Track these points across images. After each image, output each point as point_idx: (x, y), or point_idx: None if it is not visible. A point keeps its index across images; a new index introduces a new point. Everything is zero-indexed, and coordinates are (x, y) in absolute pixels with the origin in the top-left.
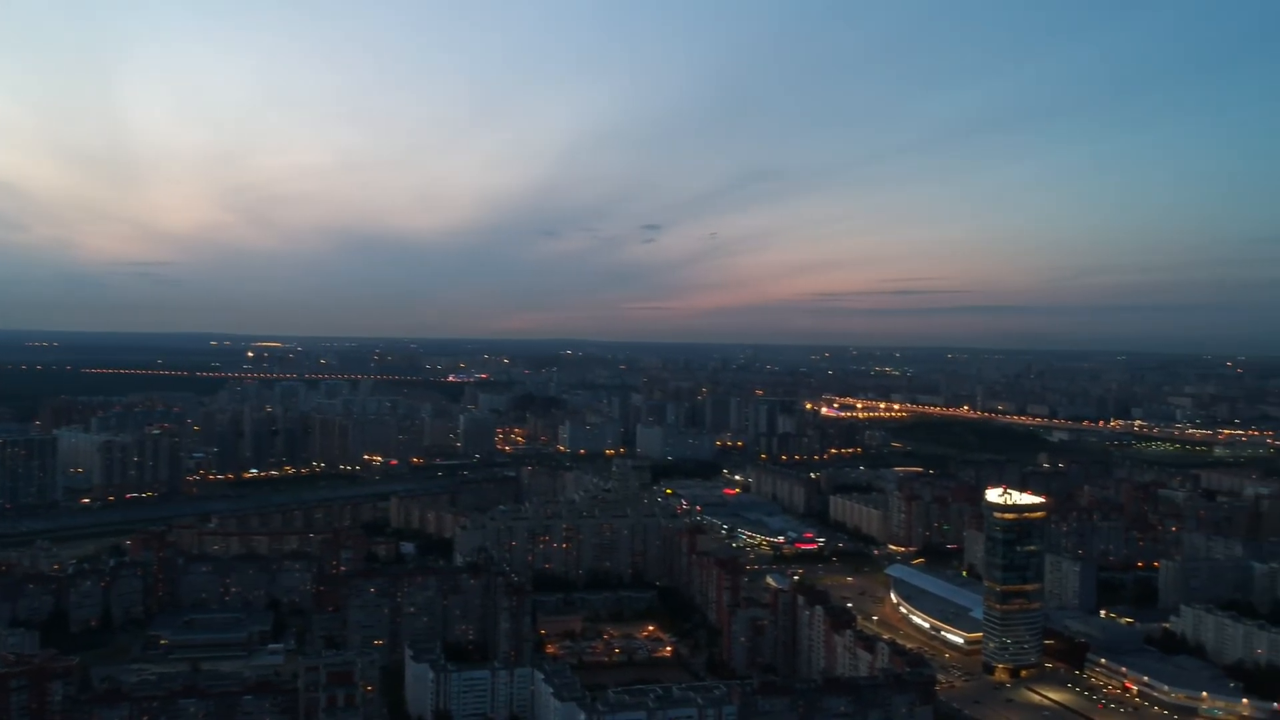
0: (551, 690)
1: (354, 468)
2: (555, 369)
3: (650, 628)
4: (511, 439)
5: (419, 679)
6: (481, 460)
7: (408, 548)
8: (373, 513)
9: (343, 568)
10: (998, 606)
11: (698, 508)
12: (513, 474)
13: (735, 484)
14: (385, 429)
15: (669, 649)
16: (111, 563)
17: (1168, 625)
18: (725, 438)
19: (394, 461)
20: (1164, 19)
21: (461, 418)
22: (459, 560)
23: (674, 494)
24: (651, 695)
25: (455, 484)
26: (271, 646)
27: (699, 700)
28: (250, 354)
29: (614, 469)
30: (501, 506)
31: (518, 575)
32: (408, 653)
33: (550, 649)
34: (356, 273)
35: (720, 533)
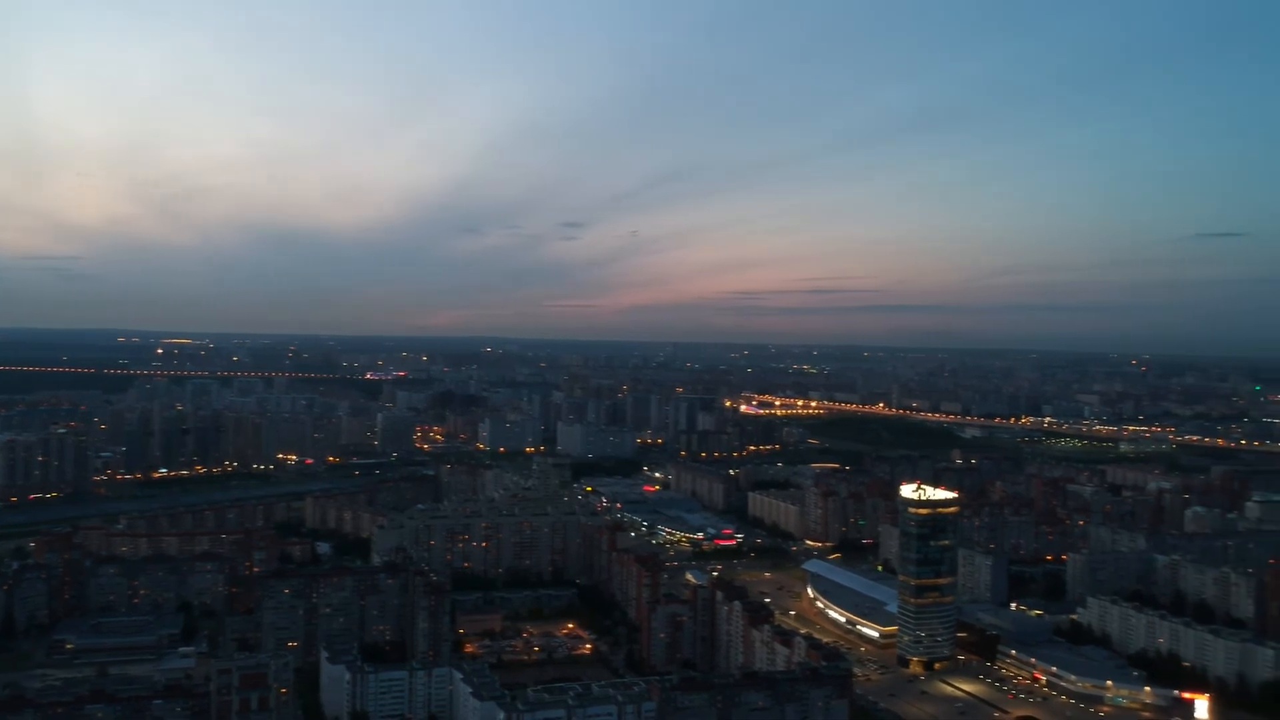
0: (470, 690)
1: (268, 467)
2: (475, 366)
3: (570, 625)
4: (430, 437)
5: (335, 680)
6: (400, 459)
7: (324, 548)
8: (287, 513)
9: (256, 569)
10: (912, 600)
11: (618, 505)
12: (431, 472)
13: (656, 481)
14: (300, 427)
15: (589, 646)
16: (14, 566)
17: (1075, 617)
18: (646, 435)
19: (309, 460)
20: (1083, 22)
21: (379, 416)
22: (376, 560)
23: (594, 491)
24: (571, 693)
25: (372, 483)
26: (182, 650)
27: (618, 697)
28: (160, 351)
29: (534, 467)
30: (420, 505)
31: (436, 574)
32: (323, 654)
33: (469, 648)
34: (271, 268)
35: (640, 530)
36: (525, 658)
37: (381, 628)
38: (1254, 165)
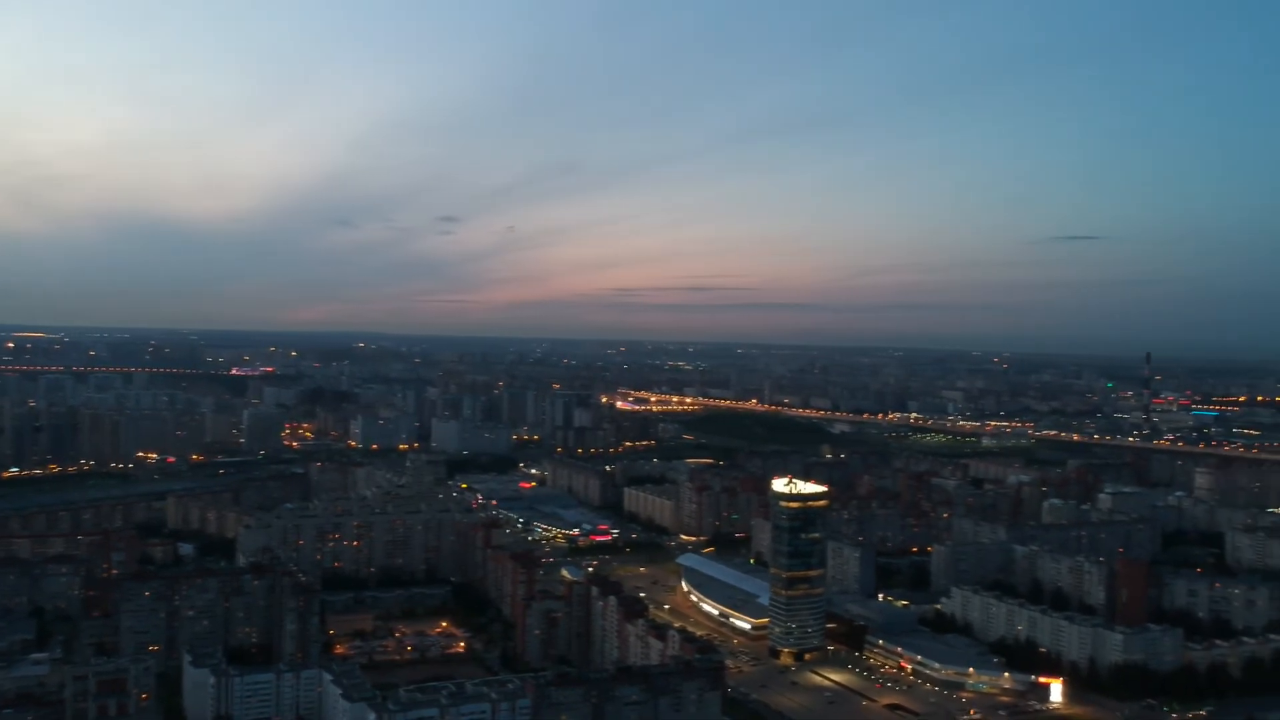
0: (340, 691)
1: (127, 466)
2: (347, 362)
3: (444, 624)
4: (300, 435)
5: (198, 685)
6: (267, 457)
7: (187, 549)
8: (148, 513)
9: (114, 571)
10: (783, 592)
11: (493, 502)
12: (300, 471)
13: (532, 478)
14: (162, 425)
15: (462, 645)
16: None
17: (939, 606)
18: (522, 432)
19: (171, 459)
20: (950, 28)
21: (246, 413)
22: (242, 561)
23: (470, 489)
24: (444, 692)
25: (238, 482)
26: (35, 656)
27: (492, 695)
28: (10, 345)
29: (408, 464)
30: (288, 504)
31: (305, 574)
32: (186, 658)
33: (339, 649)
34: (131, 259)
35: (516, 527)
36: (397, 657)
37: (247, 630)
38: (1109, 170)
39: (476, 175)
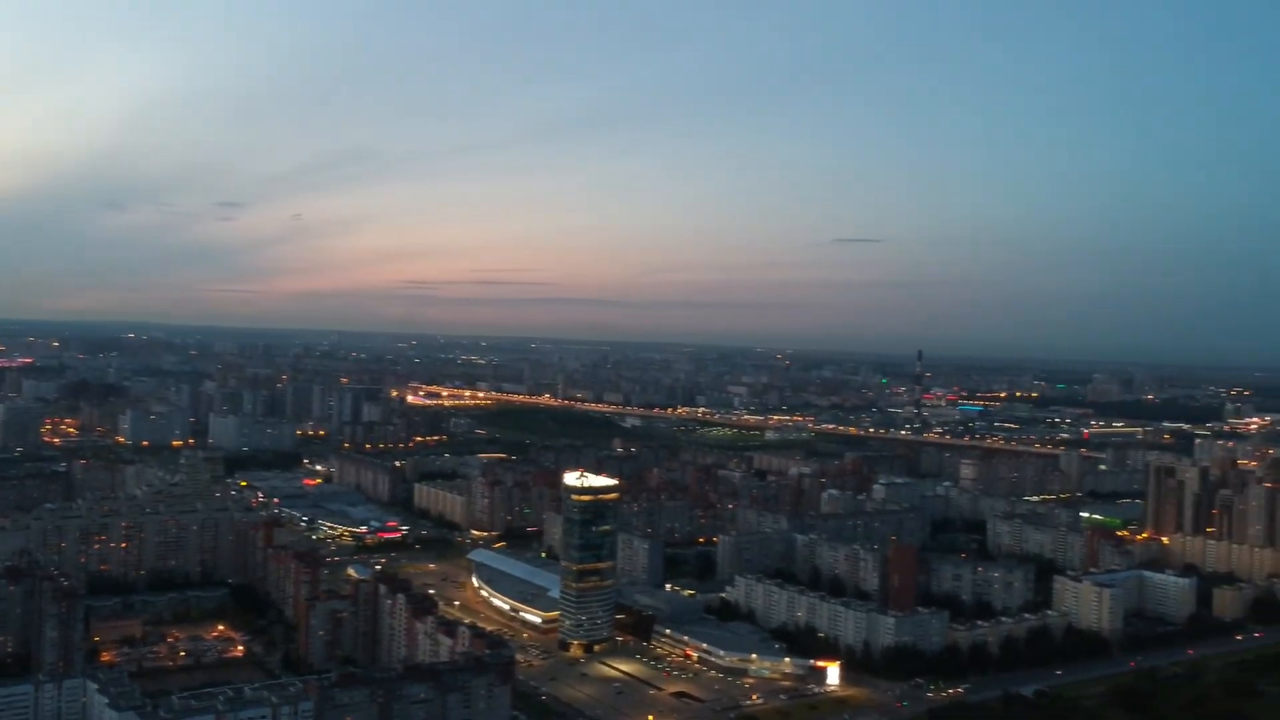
0: (106, 700)
1: None
2: (115, 354)
3: (221, 627)
4: (62, 430)
5: None
6: (24, 454)
7: None
8: None
9: None
10: (573, 585)
11: (275, 500)
12: (63, 468)
13: (317, 474)
14: None
15: (241, 648)
16: None
17: (725, 595)
18: (307, 427)
19: None
20: (747, 33)
21: (1, 407)
22: None
23: (250, 486)
24: (221, 697)
25: None
26: None
27: (273, 699)
28: None
29: (182, 461)
30: (49, 505)
31: (67, 579)
32: None
33: (106, 657)
34: None
35: (300, 525)
36: (170, 663)
37: (3, 639)
38: (886, 176)
39: (261, 160)
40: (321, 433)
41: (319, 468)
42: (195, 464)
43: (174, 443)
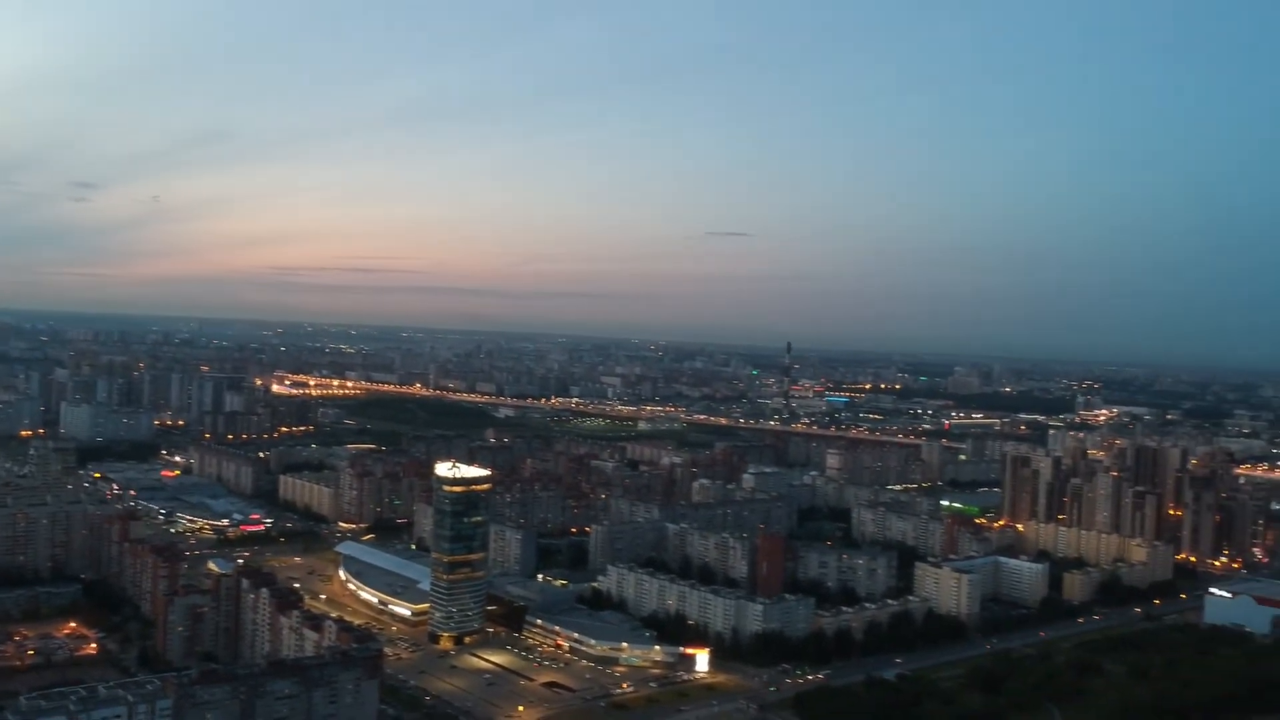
0: None
1: None
2: None
3: (73, 625)
4: None
5: None
6: None
7: None
8: None
9: None
10: (444, 577)
11: (131, 492)
12: None
13: (176, 466)
14: None
15: (94, 646)
16: None
17: (596, 585)
18: (165, 417)
19: None
20: (622, 23)
21: None
22: None
23: (104, 478)
24: (73, 697)
25: None
26: None
27: (129, 697)
28: None
29: (32, 452)
30: None
31: None
32: None
33: None
34: None
35: (158, 518)
36: (18, 663)
37: None
38: (757, 171)
39: (117, 139)
40: (181, 423)
41: (178, 459)
42: (45, 455)
43: (23, 433)
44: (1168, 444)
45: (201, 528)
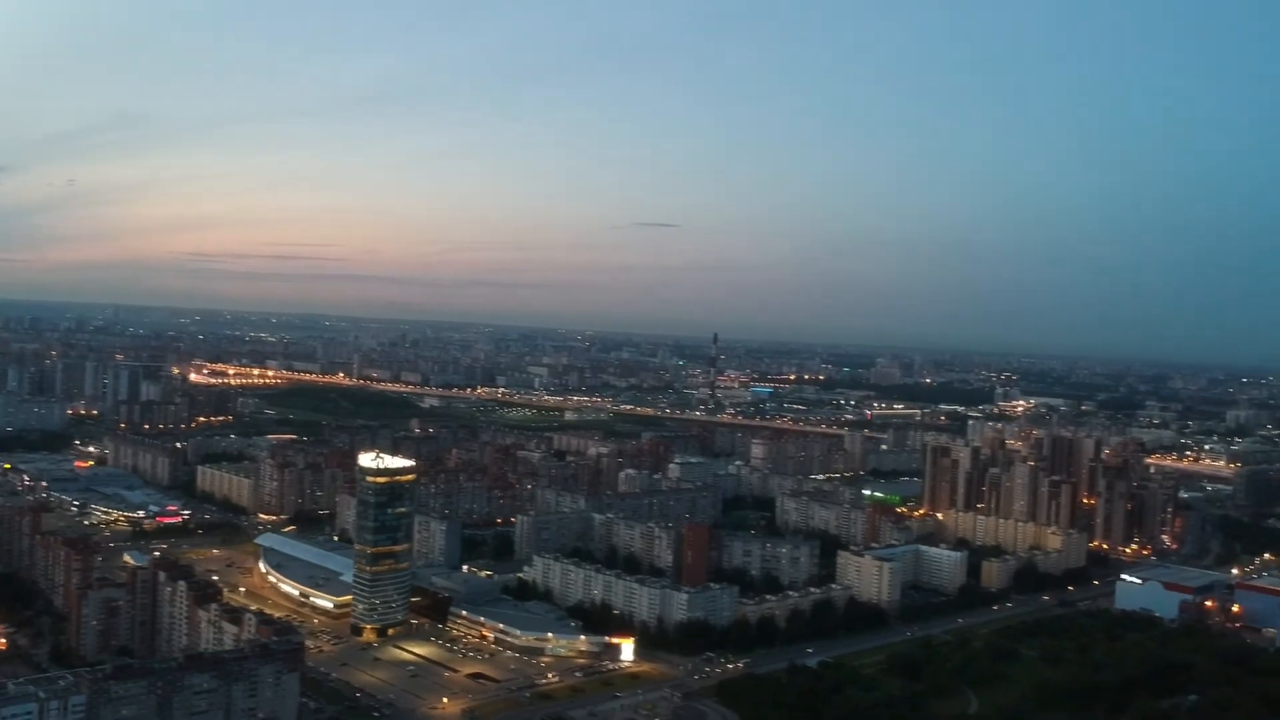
0: None
1: None
2: None
3: None
4: None
5: None
6: None
7: None
8: None
9: None
10: (368, 569)
11: (43, 484)
12: None
13: (90, 456)
14: None
15: (3, 641)
16: None
17: (522, 575)
18: (79, 406)
19: None
20: (558, 8)
21: None
22: None
23: (14, 469)
24: None
25: None
26: None
27: (40, 693)
28: None
29: None
30: None
31: None
32: None
33: None
34: None
35: (71, 510)
36: None
37: None
38: (685, 162)
39: (30, 122)
40: (95, 413)
41: (92, 450)
42: None
43: None
44: (1082, 435)
45: (117, 520)
